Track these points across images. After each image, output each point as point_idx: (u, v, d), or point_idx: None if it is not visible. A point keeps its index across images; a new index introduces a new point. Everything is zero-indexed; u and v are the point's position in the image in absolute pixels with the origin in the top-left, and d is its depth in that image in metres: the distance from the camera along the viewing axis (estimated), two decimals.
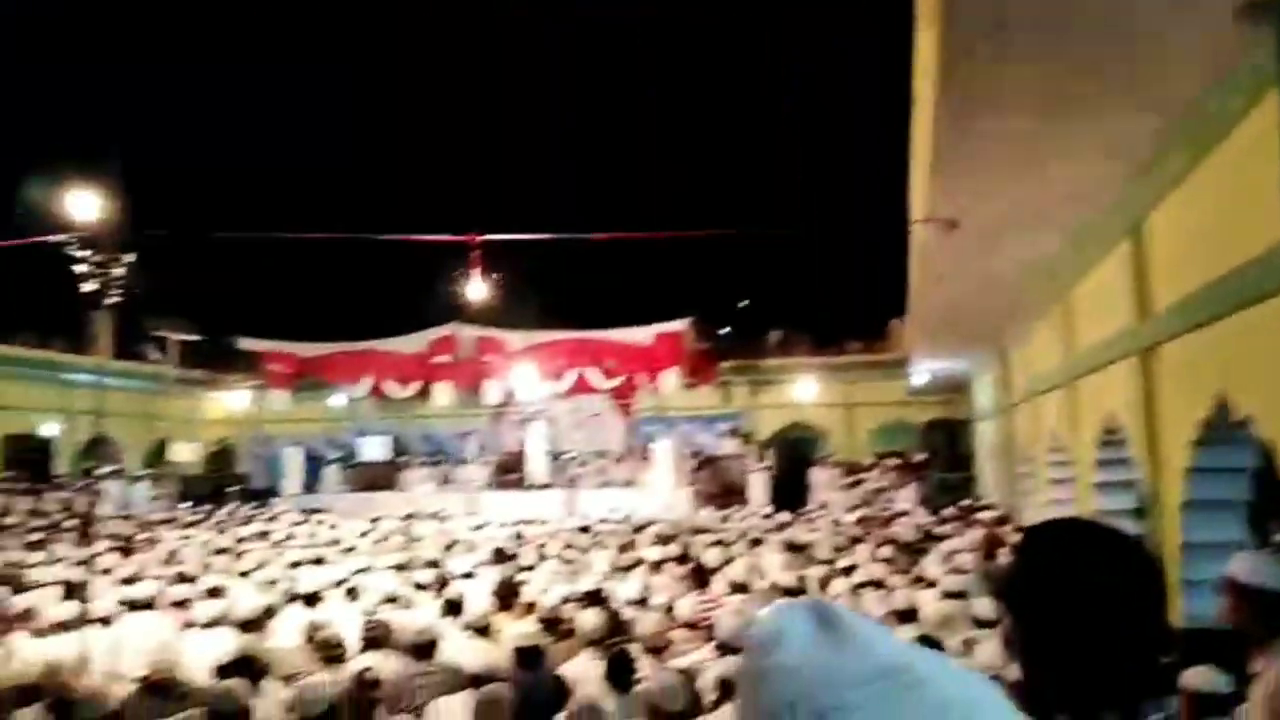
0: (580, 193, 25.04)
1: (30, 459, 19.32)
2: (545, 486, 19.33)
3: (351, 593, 7.73)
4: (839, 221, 22.72)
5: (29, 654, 6.49)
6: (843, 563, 8.62)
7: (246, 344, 20.58)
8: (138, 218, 10.48)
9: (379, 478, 20.61)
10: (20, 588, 8.26)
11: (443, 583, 8.10)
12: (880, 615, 6.16)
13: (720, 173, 27.72)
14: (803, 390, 22.79)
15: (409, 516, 14.67)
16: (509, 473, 20.39)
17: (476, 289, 18.72)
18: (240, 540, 11.93)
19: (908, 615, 6.11)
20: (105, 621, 6.75)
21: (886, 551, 9.40)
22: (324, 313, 21.87)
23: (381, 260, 20.98)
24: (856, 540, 10.60)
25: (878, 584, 7.35)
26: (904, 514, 14.17)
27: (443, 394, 19.87)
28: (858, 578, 7.72)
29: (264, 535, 12.51)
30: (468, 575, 8.60)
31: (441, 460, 21.61)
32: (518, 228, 16.82)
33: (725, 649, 5.53)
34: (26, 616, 7.23)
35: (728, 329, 23.34)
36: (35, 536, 12.55)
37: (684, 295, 21.85)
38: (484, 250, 16.76)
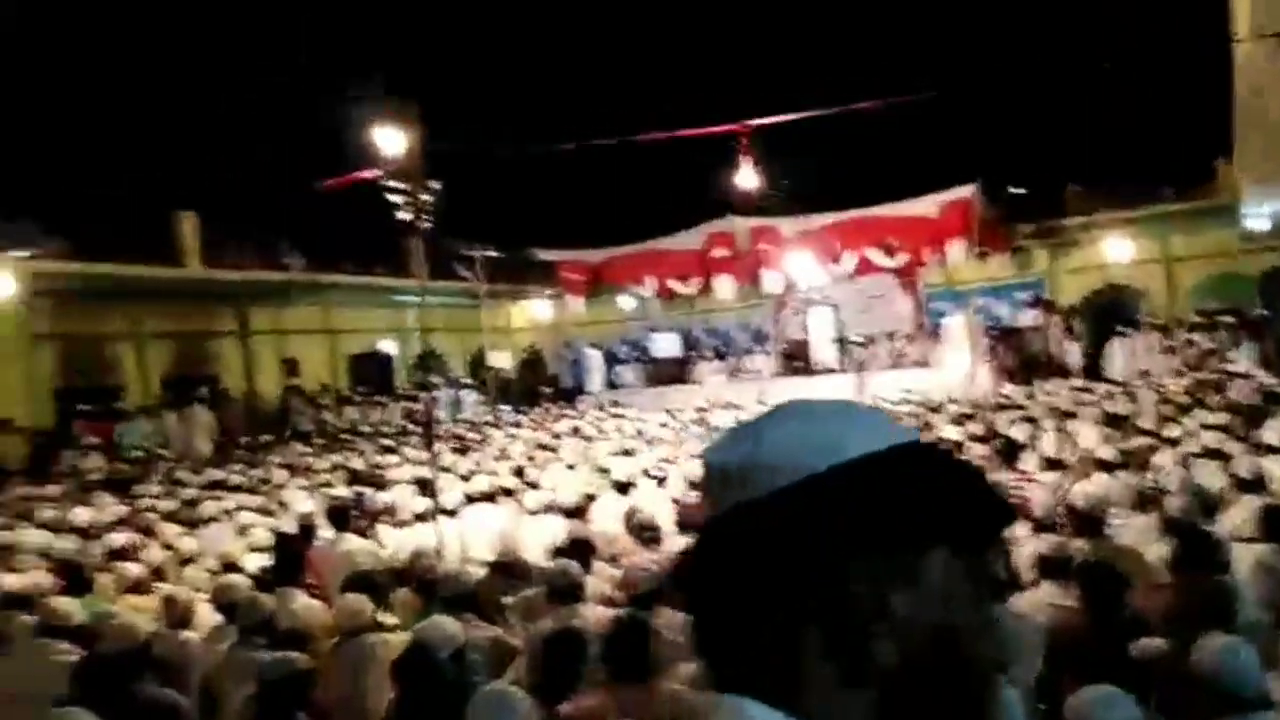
0: (840, 62, 23.80)
1: (373, 375, 22.00)
2: (833, 372, 19.22)
3: (660, 480, 8.19)
4: (1141, 50, 20.01)
5: (394, 543, 7.51)
6: (1170, 433, 7.94)
7: (543, 255, 21.93)
8: (435, 145, 11.29)
9: (671, 372, 21.45)
10: (380, 486, 9.52)
11: None
12: (1221, 486, 5.66)
13: (990, 9, 25.17)
14: (1112, 249, 20.78)
15: (703, 409, 15.19)
16: (795, 360, 20.45)
17: (748, 178, 18.55)
18: (557, 436, 12.95)
19: (1253, 484, 5.56)
20: (452, 513, 7.61)
21: (1221, 418, 8.52)
22: (608, 218, 22.66)
23: (653, 160, 21.28)
24: (1184, 409, 9.70)
25: (1214, 453, 6.71)
26: (1242, 376, 12.72)
27: (724, 287, 20.10)
28: (1189, 447, 7.09)
29: (576, 431, 13.48)
30: None
31: (729, 353, 22.06)
32: (782, 110, 16.39)
33: (1040, 526, 5.33)
34: (388, 511, 8.33)
35: (1021, 189, 21.58)
36: (386, 442, 14.30)
37: (967, 157, 20.44)
38: (752, 137, 16.49)
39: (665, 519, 6.55)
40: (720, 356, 21.89)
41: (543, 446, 11.86)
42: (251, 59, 22.48)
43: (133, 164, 19.31)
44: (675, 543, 6.00)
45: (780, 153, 18.44)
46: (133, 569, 6.33)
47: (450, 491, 7.99)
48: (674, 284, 20.83)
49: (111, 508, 9.09)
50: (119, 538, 7.25)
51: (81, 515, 8.35)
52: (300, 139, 18.92)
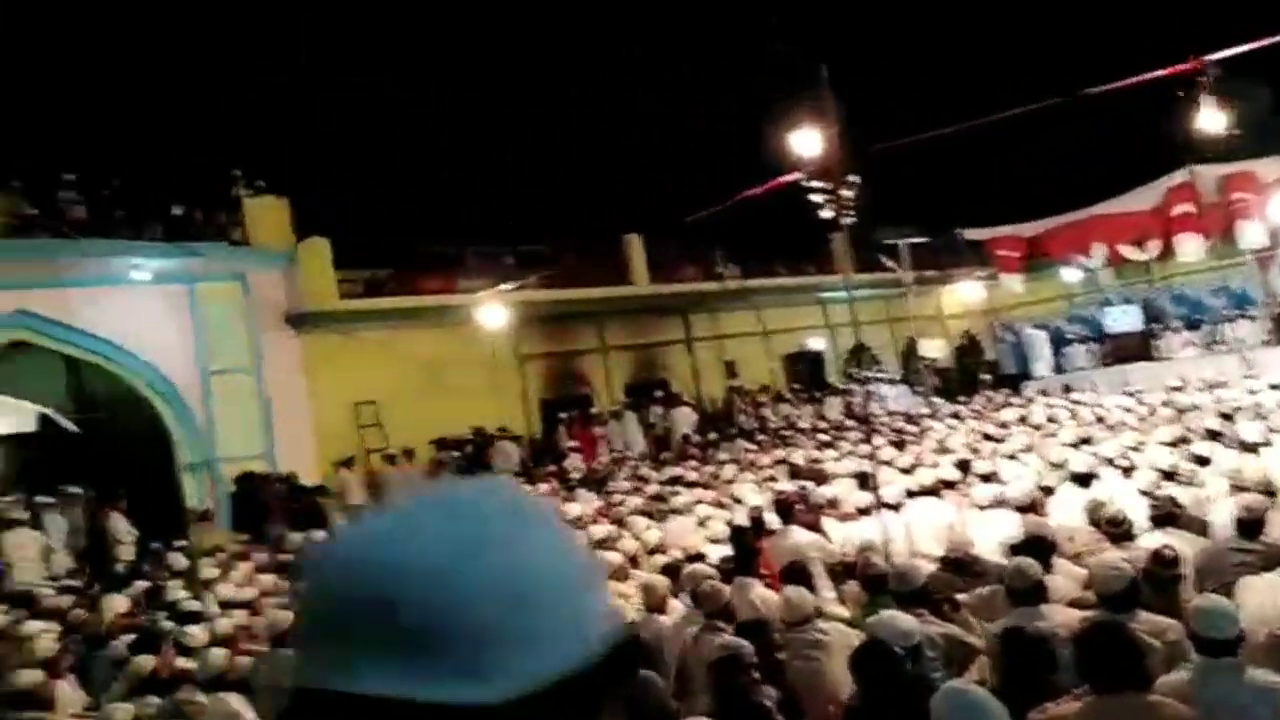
0: None
1: (807, 372, 22.55)
2: None
3: (1126, 470, 7.47)
4: None
5: (839, 536, 7.66)
6: None
7: (971, 234, 20.96)
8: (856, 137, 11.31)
9: (1131, 348, 19.33)
10: (821, 480, 9.75)
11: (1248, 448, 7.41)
12: None
13: None
14: None
15: (1176, 387, 13.54)
16: None
17: (1211, 120, 16.18)
18: (1002, 425, 12.31)
19: None
20: (894, 507, 7.58)
21: None
22: (1037, 188, 21.05)
23: (1083, 120, 19.33)
24: None
25: None
26: None
27: (1190, 248, 17.70)
28: None
29: (1022, 419, 12.71)
30: (1252, 447, 7.67)
31: (1202, 321, 19.37)
32: (1243, 38, 14.01)
33: None
34: (832, 504, 8.51)
35: None
36: (823, 437, 14.58)
37: None
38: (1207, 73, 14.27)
39: (1135, 513, 5.97)
40: (1191, 327, 19.28)
41: (987, 437, 11.35)
42: (679, 91, 24.23)
43: (585, 196, 21.75)
44: (1149, 539, 5.45)
45: (1236, 89, 15.81)
46: (613, 557, 7.14)
47: (891, 485, 7.97)
48: (1126, 250, 18.79)
49: (592, 503, 10.32)
50: (599, 529, 8.22)
51: (570, 509, 9.58)
52: (724, 153, 20.01)
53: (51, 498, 12.64)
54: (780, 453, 12.93)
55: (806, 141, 11.07)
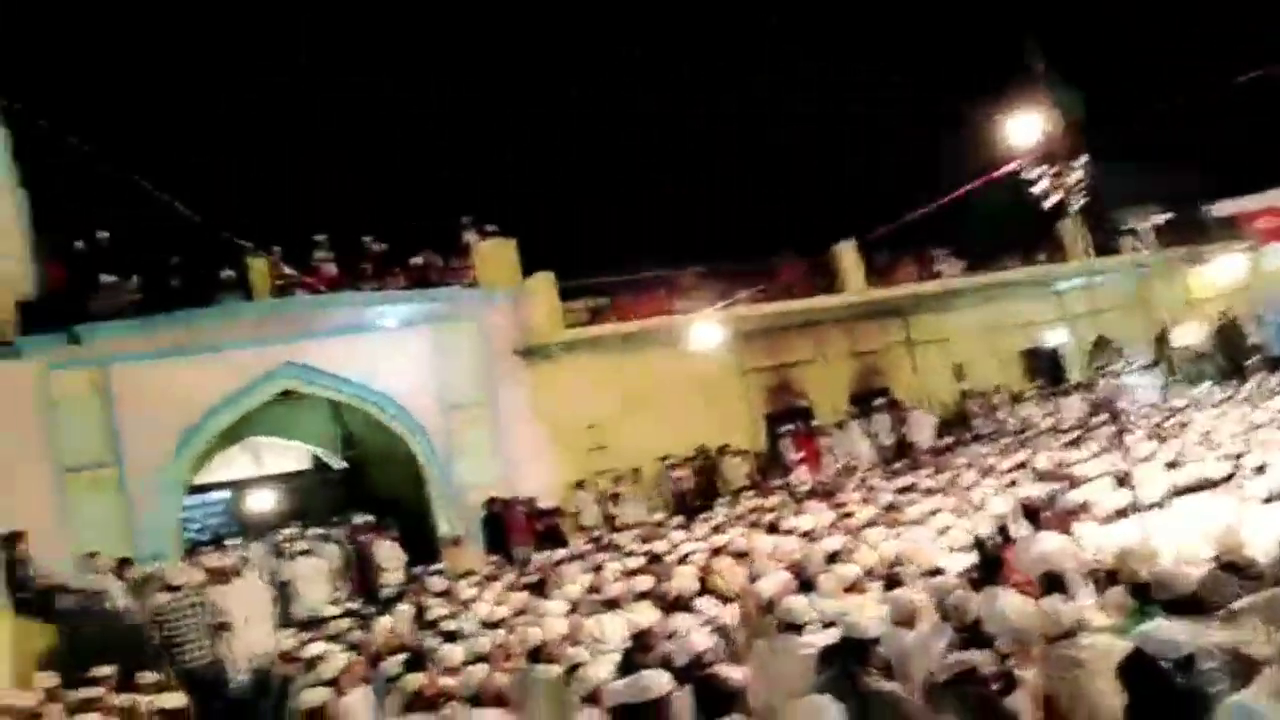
0: None
1: (1044, 368, 21.23)
2: None
3: None
4: None
5: (1094, 541, 7.15)
6: None
7: (1221, 208, 19.11)
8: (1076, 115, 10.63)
9: None
10: (1070, 482, 9.13)
11: None
12: None
13: None
14: None
15: None
16: None
17: None
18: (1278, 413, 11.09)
19: None
20: (1157, 507, 7.00)
21: None
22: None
23: None
24: None
25: None
26: None
27: None
28: None
29: None
30: None
31: None
32: None
33: None
34: (1084, 508, 7.95)
35: None
36: (1068, 436, 13.67)
37: None
38: None
39: None
40: None
41: (1258, 425, 10.27)
42: (879, 88, 23.65)
43: (793, 207, 21.63)
44: None
45: None
46: (849, 570, 7.01)
47: (1151, 484, 7.38)
48: None
49: (823, 514, 10.17)
50: (833, 541, 8.10)
51: (801, 523, 9.50)
52: (933, 146, 19.34)
53: (325, 528, 13.96)
54: (1021, 455, 12.25)
55: (1023, 126, 10.55)
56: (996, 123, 10.80)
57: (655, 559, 9.09)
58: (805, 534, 8.93)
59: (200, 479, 16.65)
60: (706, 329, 15.91)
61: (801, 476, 15.10)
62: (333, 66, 22.86)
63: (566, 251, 17.44)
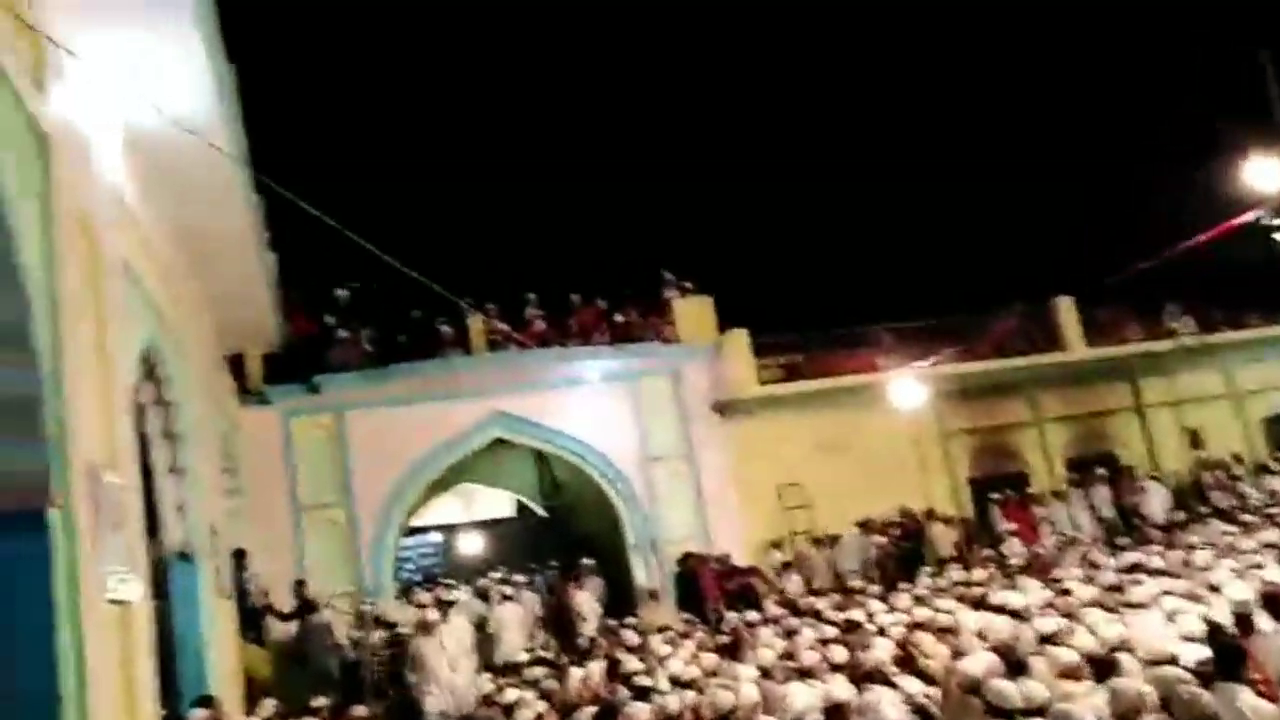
0: None
1: None
2: None
3: None
4: None
5: None
6: None
7: None
8: None
9: None
10: None
11: None
12: None
13: None
14: None
15: None
16: None
17: None
18: None
19: None
20: None
21: None
22: None
23: None
24: None
25: None
26: None
27: None
28: None
29: None
30: None
31: None
32: None
33: None
34: None
35: None
36: None
37: None
38: None
39: None
40: None
41: None
42: (1100, 131, 22.40)
43: (1004, 261, 20.69)
44: None
45: None
46: (1065, 654, 6.52)
47: None
48: None
49: (1037, 592, 9.52)
50: (1048, 622, 7.54)
51: (1012, 599, 8.92)
52: (1160, 195, 18.11)
53: (526, 574, 14.43)
54: (1268, 535, 11.04)
55: (1264, 171, 9.71)
56: (1234, 167, 10.03)
57: (851, 628, 8.79)
58: (1016, 611, 8.38)
59: (415, 521, 17.70)
60: (909, 386, 15.38)
61: (1014, 548, 14.20)
62: (542, 132, 24.17)
63: (762, 306, 17.49)
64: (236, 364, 14.18)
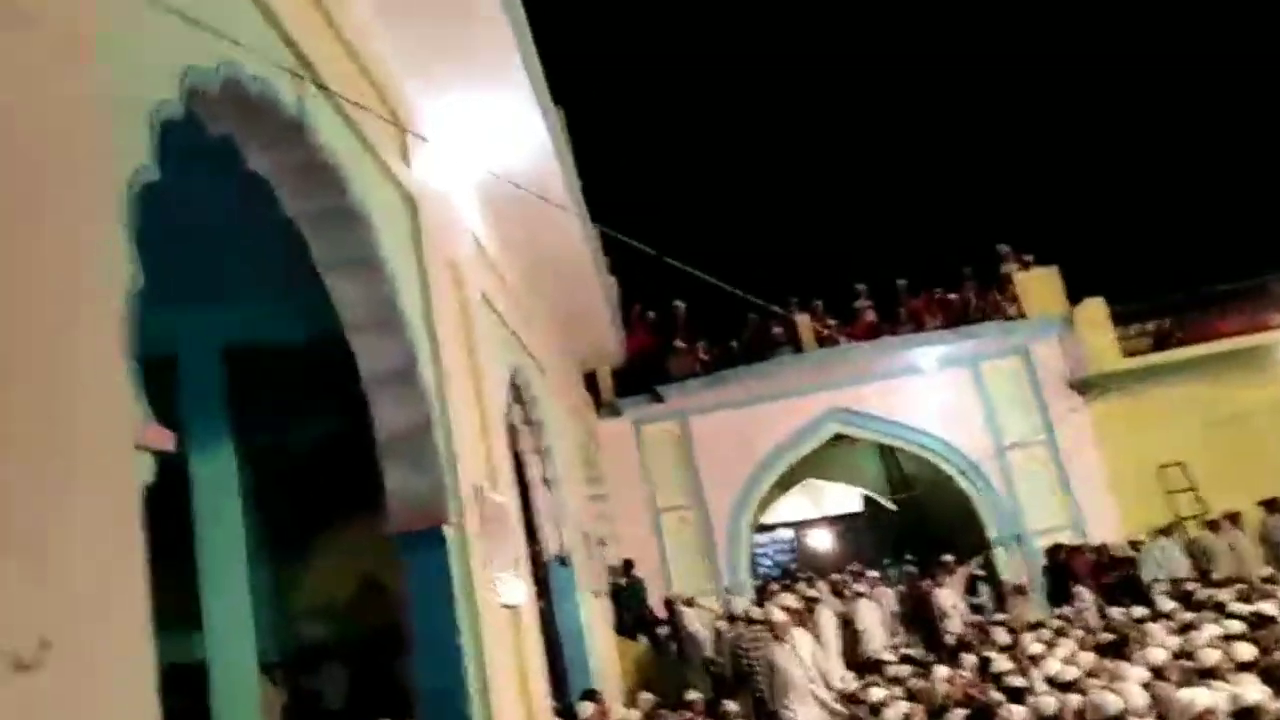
0: None
1: None
2: None
3: None
4: None
5: None
6: None
7: None
8: None
9: None
10: None
11: None
12: None
13: None
14: None
15: None
16: None
17: None
18: None
19: None
20: None
21: None
22: None
23: None
24: None
25: None
26: None
27: None
28: None
29: None
30: None
31: None
32: None
33: None
34: None
35: None
36: None
37: None
38: None
39: None
40: None
41: None
42: None
43: None
44: None
45: None
46: None
47: None
48: None
49: None
50: None
51: None
52: None
53: (879, 571, 14.16)
54: None
55: None
56: None
57: (1260, 622, 7.72)
58: None
59: (765, 519, 18.06)
60: None
61: None
62: (853, 123, 23.70)
63: (1114, 271, 15.90)
64: (590, 380, 15.34)
